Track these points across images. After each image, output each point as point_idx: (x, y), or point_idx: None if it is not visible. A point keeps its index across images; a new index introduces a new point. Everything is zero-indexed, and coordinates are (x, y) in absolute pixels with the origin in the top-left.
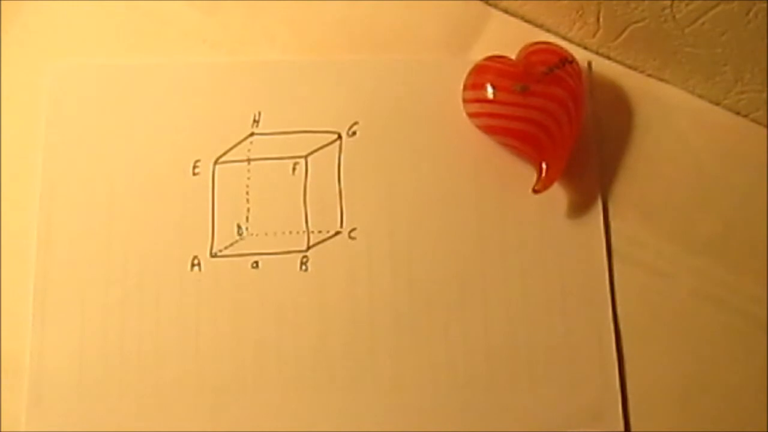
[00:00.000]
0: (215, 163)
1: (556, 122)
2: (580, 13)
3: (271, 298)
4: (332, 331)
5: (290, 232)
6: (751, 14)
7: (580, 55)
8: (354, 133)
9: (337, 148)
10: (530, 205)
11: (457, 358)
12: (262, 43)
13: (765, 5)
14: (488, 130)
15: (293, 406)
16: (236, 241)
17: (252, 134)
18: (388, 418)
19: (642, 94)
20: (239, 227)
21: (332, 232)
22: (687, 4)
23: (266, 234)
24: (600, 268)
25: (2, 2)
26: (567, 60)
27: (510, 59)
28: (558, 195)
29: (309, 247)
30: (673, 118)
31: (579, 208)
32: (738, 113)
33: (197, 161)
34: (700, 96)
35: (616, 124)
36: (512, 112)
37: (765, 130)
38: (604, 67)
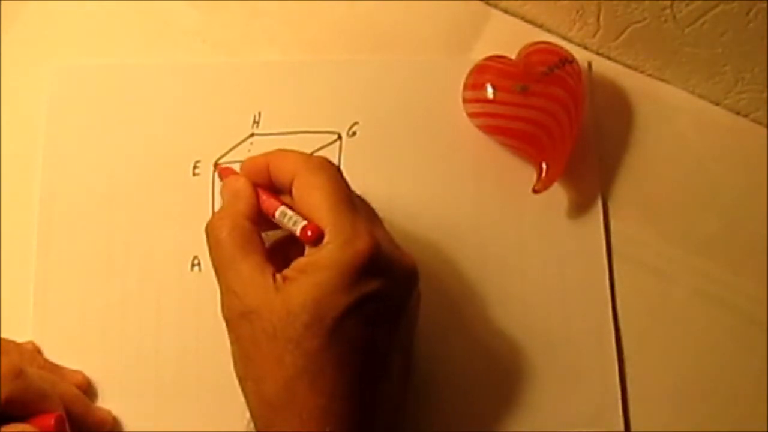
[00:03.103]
0: (215, 163)
1: (556, 122)
2: (580, 13)
3: None
4: None
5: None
6: (751, 14)
7: (580, 55)
8: (354, 133)
9: (337, 148)
10: (530, 205)
11: (456, 358)
12: (262, 43)
13: (765, 5)
14: (488, 130)
15: None
16: None
17: (252, 135)
18: None
19: (642, 94)
20: None
21: None
22: (687, 4)
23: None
24: (600, 268)
25: (2, 2)
26: (567, 60)
27: (510, 59)
28: (558, 195)
29: None
30: (673, 118)
31: (579, 208)
32: (738, 113)
33: (197, 162)
34: (700, 96)
35: (616, 124)
36: (512, 112)
37: (765, 130)
38: (604, 67)
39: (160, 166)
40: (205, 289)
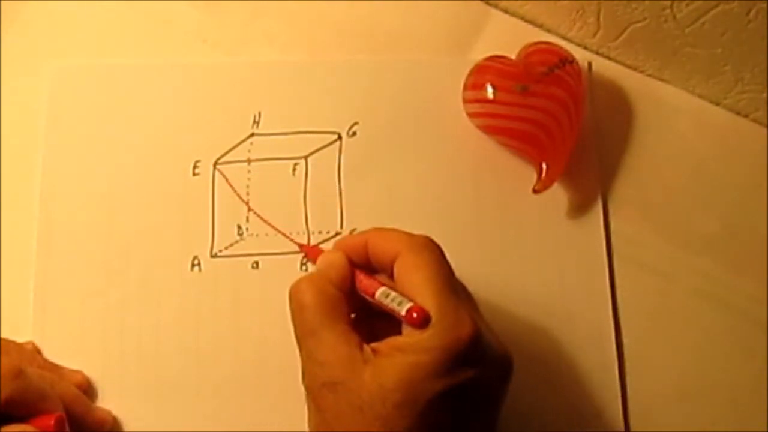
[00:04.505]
0: (215, 163)
1: (556, 122)
2: (580, 13)
3: (271, 298)
4: None
5: (290, 233)
6: (751, 14)
7: (580, 55)
8: (354, 133)
9: (337, 149)
10: (530, 205)
11: None
12: (262, 43)
13: (765, 5)
14: (488, 130)
15: (293, 405)
16: (236, 242)
17: (252, 135)
18: None
19: (642, 94)
20: (239, 227)
21: (332, 233)
22: (687, 4)
23: (266, 234)
24: (600, 268)
25: (2, 2)
26: (567, 60)
27: (510, 59)
28: (558, 195)
29: None
30: (673, 118)
31: (579, 208)
32: (738, 113)
33: (197, 162)
34: (700, 96)
35: (616, 124)
36: (512, 112)
37: (765, 130)
38: (604, 67)
39: (160, 166)
40: (205, 289)
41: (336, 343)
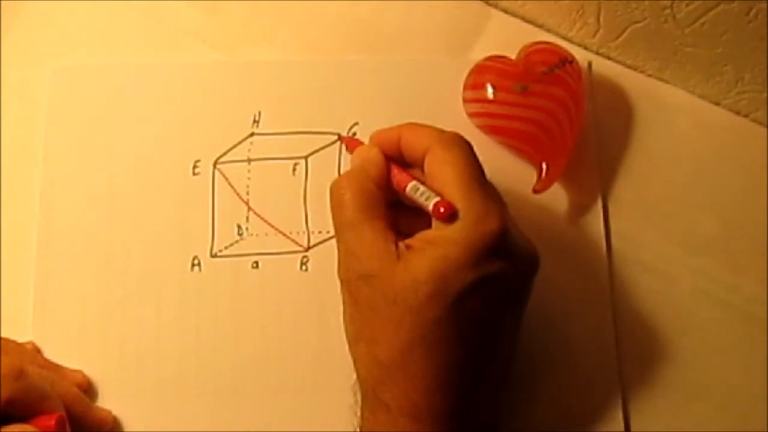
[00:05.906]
0: (215, 163)
1: (556, 122)
2: (580, 13)
3: (271, 298)
4: (332, 330)
5: (290, 232)
6: (751, 14)
7: (580, 55)
8: (354, 133)
9: (337, 149)
10: (530, 205)
11: None
12: (262, 43)
13: (765, 5)
14: (488, 130)
15: (293, 405)
16: (236, 242)
17: (252, 134)
18: None
19: (642, 94)
20: (239, 227)
21: (332, 233)
22: (687, 4)
23: (266, 234)
24: (600, 268)
25: (2, 2)
26: (567, 60)
27: (510, 59)
28: (558, 195)
29: (309, 247)
30: (673, 118)
31: (579, 208)
32: (738, 113)
33: (197, 161)
34: (700, 96)
35: (616, 124)
36: (512, 112)
37: (765, 130)
38: (604, 67)
39: (160, 166)
40: (205, 289)
41: (373, 238)
